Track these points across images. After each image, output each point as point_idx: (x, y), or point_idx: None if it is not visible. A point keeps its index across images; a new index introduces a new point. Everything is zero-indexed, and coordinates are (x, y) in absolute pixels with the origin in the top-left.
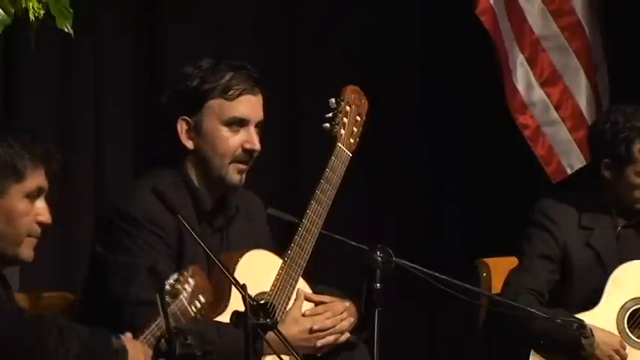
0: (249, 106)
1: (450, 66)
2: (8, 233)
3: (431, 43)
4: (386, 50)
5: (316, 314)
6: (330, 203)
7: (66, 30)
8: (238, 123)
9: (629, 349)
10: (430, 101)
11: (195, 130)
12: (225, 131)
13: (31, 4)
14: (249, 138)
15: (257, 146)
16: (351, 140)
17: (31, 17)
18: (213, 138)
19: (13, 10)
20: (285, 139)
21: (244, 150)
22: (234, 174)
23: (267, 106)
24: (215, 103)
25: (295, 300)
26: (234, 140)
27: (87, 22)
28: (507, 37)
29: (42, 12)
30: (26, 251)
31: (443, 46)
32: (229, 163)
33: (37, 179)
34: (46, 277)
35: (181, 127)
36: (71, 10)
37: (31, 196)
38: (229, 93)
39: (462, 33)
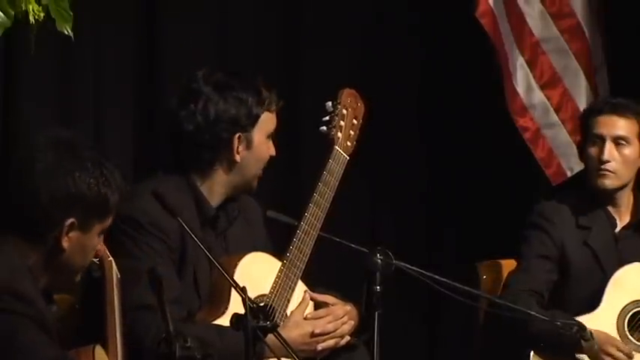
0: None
1: (449, 68)
2: (78, 265)
3: (431, 45)
4: (385, 52)
5: (317, 318)
6: (329, 206)
7: (66, 32)
8: (271, 133)
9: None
10: (430, 103)
11: (246, 145)
12: (267, 142)
13: (30, 7)
14: (273, 146)
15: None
16: (348, 143)
17: (31, 20)
18: (261, 150)
19: (12, 13)
20: (284, 142)
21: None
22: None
23: None
24: (264, 118)
25: (300, 303)
26: (270, 149)
27: (87, 22)
28: (507, 40)
29: (42, 14)
30: (76, 281)
31: (442, 48)
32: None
33: (110, 220)
34: None
35: (235, 143)
36: (71, 13)
37: (101, 234)
38: (273, 106)
39: (462, 35)
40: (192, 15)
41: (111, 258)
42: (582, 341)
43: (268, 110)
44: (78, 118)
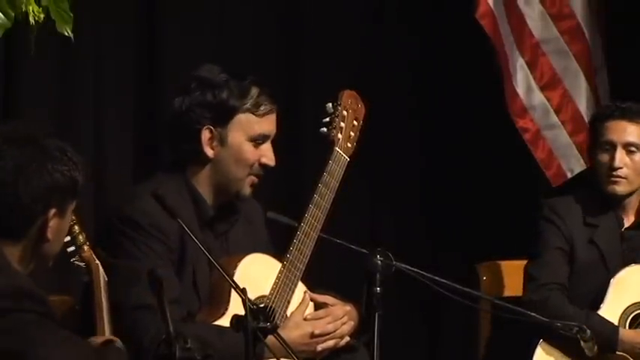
0: (272, 123)
1: (449, 69)
2: (57, 251)
3: (431, 46)
4: (385, 53)
5: (317, 318)
6: (329, 207)
7: (66, 34)
8: (262, 139)
9: None
10: (430, 104)
11: (219, 141)
12: (249, 145)
13: (31, 8)
14: (268, 154)
15: (274, 162)
16: (349, 144)
17: (31, 21)
18: (239, 152)
19: (13, 14)
20: (285, 143)
21: (260, 164)
22: (248, 187)
23: None
24: (243, 118)
25: (300, 304)
26: (255, 154)
27: (87, 22)
28: (507, 41)
29: (42, 16)
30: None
31: (443, 49)
32: (247, 176)
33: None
34: (46, 281)
35: (205, 135)
36: (71, 14)
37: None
38: (259, 110)
39: (462, 36)
40: (192, 15)
41: (98, 262)
42: (582, 342)
43: (251, 112)
44: (78, 118)
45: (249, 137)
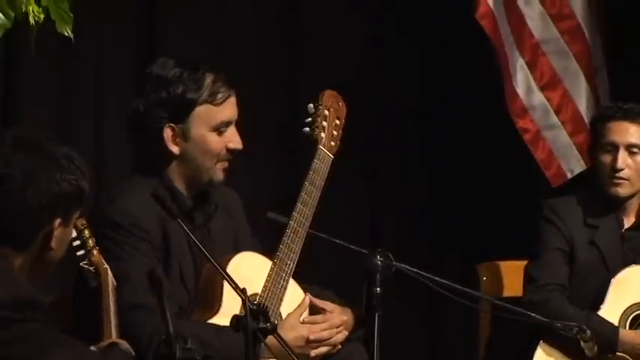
0: (232, 107)
1: (449, 69)
2: (59, 258)
3: (431, 46)
4: (385, 53)
5: (314, 323)
6: (316, 204)
7: (66, 34)
8: (225, 126)
9: None
10: (429, 104)
11: (183, 136)
12: (213, 135)
13: (31, 8)
14: (234, 138)
15: (241, 146)
16: (332, 143)
17: (31, 21)
18: (204, 143)
19: (12, 14)
20: (284, 144)
21: (228, 149)
22: (220, 173)
23: (266, 110)
24: (202, 110)
25: (298, 307)
26: (220, 142)
27: (87, 22)
28: (507, 41)
29: (42, 16)
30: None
31: (442, 49)
32: (215, 164)
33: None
34: (45, 282)
35: (167, 133)
36: (71, 15)
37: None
38: (217, 98)
39: (462, 37)
40: (192, 15)
41: (106, 266)
42: (582, 343)
43: (209, 102)
44: (78, 118)
45: (212, 127)
